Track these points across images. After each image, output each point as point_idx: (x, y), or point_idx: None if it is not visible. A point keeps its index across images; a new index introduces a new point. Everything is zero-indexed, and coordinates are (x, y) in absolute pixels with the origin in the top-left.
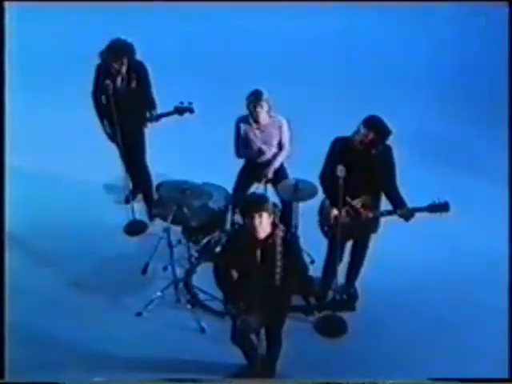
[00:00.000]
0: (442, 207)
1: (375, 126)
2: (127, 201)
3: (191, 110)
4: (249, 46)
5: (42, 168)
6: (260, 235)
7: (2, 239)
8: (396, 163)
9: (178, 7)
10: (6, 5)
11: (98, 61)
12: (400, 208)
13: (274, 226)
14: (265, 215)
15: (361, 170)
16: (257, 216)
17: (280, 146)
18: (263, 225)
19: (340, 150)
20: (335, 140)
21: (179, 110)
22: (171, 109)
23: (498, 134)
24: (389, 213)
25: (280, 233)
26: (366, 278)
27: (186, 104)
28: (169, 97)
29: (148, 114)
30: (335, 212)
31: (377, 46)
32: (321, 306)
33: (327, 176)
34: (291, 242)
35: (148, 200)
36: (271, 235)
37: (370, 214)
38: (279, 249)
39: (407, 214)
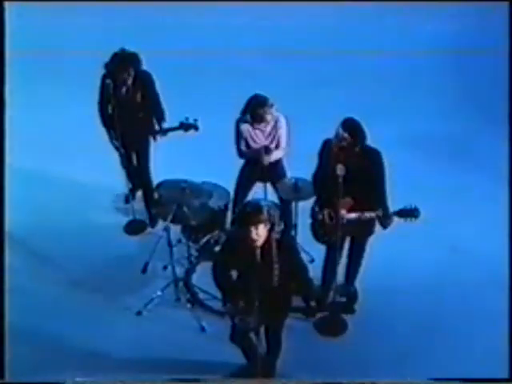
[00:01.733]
0: (411, 213)
1: (351, 128)
2: (127, 201)
3: (196, 128)
4: (248, 45)
5: (42, 168)
6: (257, 244)
7: (2, 239)
8: (391, 164)
9: (177, 7)
10: (6, 5)
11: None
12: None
13: (269, 230)
14: (261, 226)
15: (348, 171)
16: (253, 228)
17: (277, 144)
18: (259, 235)
19: (329, 151)
20: (324, 142)
21: (184, 126)
22: (176, 123)
23: (498, 132)
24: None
25: (275, 236)
26: (365, 278)
27: (191, 120)
28: (169, 97)
29: (157, 126)
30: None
31: (376, 44)
32: (320, 308)
33: (319, 177)
34: (287, 245)
35: (149, 207)
36: (267, 240)
37: (352, 216)
38: (275, 251)
39: (382, 218)
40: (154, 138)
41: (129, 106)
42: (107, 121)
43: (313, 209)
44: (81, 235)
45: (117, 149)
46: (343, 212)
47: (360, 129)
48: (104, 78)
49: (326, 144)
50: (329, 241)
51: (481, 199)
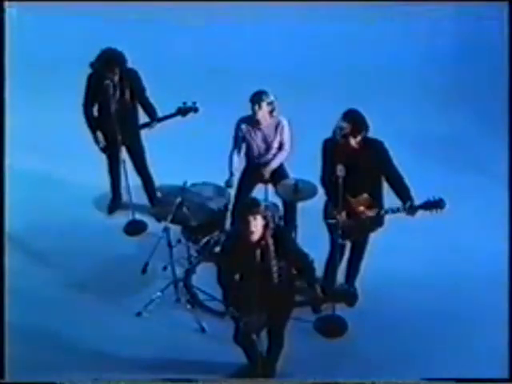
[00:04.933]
0: (437, 204)
1: (351, 117)
2: (110, 211)
3: (195, 110)
4: (251, 48)
5: (42, 168)
6: (254, 238)
7: (2, 239)
8: (395, 159)
9: (179, 8)
10: (6, 5)
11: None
12: (406, 200)
13: (264, 227)
14: (259, 218)
15: (356, 167)
16: (252, 219)
17: (280, 146)
18: (258, 228)
19: (331, 150)
20: (324, 142)
21: (182, 111)
22: (173, 111)
23: (498, 133)
24: (393, 211)
25: (270, 231)
26: (365, 277)
27: (189, 104)
28: (170, 99)
29: (149, 119)
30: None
31: (377, 46)
32: (326, 298)
33: (326, 178)
34: (282, 237)
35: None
36: (263, 237)
37: (370, 213)
38: (272, 247)
39: (408, 211)
40: (151, 126)
41: (118, 104)
42: (93, 122)
43: (325, 210)
44: (81, 236)
45: (103, 150)
46: (361, 209)
47: (360, 118)
48: (89, 78)
49: (327, 143)
50: (343, 239)
51: (481, 199)
